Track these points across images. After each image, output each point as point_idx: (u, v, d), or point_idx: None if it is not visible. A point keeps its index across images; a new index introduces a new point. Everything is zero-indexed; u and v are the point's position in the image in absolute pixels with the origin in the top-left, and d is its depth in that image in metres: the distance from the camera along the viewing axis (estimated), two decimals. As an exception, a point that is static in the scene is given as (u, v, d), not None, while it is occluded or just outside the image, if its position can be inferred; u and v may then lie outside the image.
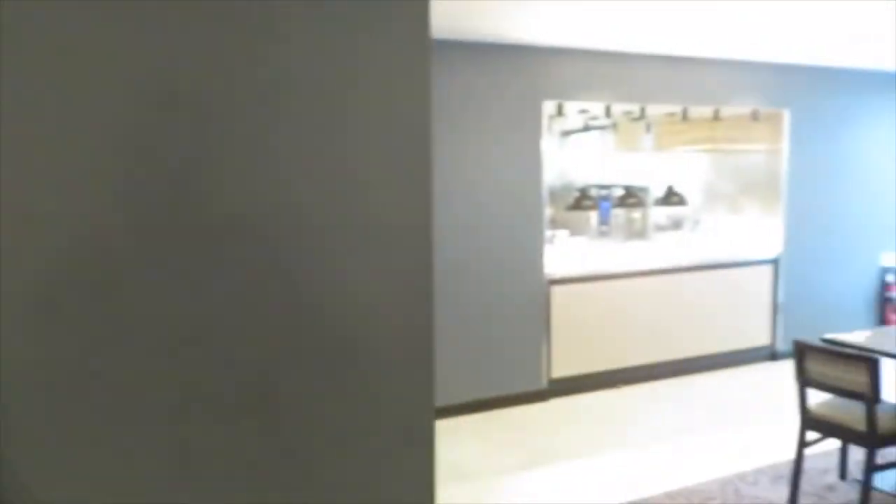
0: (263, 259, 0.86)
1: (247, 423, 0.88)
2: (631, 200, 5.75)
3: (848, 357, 3.09)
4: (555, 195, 7.93)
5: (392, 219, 0.95)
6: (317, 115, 0.89)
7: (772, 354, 5.94)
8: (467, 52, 4.60)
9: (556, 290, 5.04)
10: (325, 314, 0.92)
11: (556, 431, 4.55)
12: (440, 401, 4.79)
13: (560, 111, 5.06)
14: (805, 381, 3.29)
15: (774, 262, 5.89)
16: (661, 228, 8.90)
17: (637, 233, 8.11)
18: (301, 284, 0.89)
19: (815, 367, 3.22)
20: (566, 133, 7.29)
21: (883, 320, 6.41)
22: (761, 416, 4.68)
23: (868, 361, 3.00)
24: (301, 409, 0.91)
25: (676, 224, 8.95)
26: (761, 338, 5.91)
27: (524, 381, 4.99)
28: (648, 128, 6.72)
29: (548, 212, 7.16)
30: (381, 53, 0.93)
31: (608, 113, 5.25)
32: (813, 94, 5.90)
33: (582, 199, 5.51)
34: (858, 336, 3.57)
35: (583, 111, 5.51)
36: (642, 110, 5.37)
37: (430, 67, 0.95)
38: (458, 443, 4.33)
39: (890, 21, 4.23)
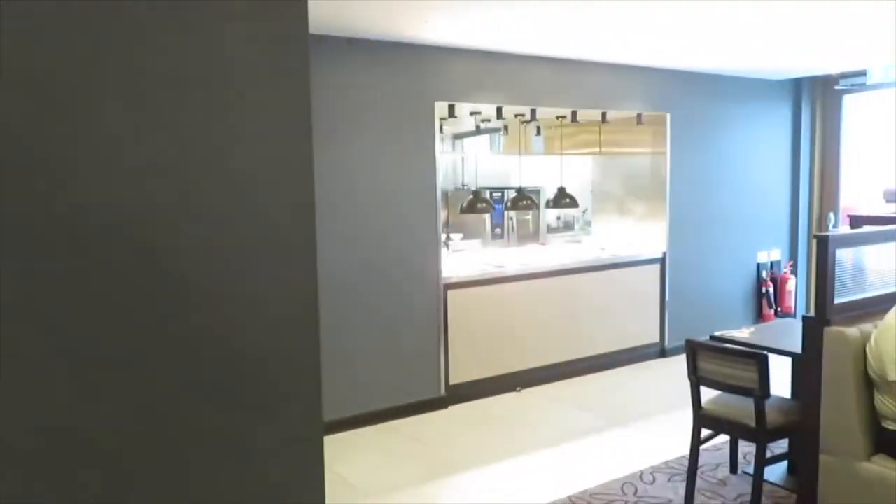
0: (122, 259, 0.81)
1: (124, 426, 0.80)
2: (523, 203, 5.74)
3: (738, 354, 3.15)
4: (449, 198, 7.88)
5: (273, 219, 0.91)
6: (185, 111, 0.83)
7: (661, 351, 6.12)
8: (357, 50, 4.41)
9: (453, 295, 4.94)
10: (200, 313, 0.86)
11: (455, 440, 4.43)
12: (334, 413, 4.57)
13: (452, 112, 4.97)
14: (698, 379, 3.33)
15: (661, 262, 6.07)
16: (553, 230, 9.05)
17: (530, 235, 8.19)
18: (172, 285, 0.84)
19: (707, 365, 3.27)
20: (459, 136, 7.25)
21: (760, 314, 6.76)
22: (656, 413, 4.77)
23: (757, 358, 3.06)
24: (177, 408, 0.84)
25: (568, 225, 9.13)
26: (651, 335, 6.07)
27: (422, 389, 4.85)
28: (539, 130, 6.79)
29: (443, 215, 7.09)
30: (254, 48, 0.88)
31: (500, 115, 5.20)
32: (693, 99, 6.13)
33: (476, 202, 5.44)
34: (744, 332, 3.67)
35: (475, 112, 5.44)
36: (533, 112, 5.37)
37: (308, 63, 0.91)
38: (353, 457, 4.12)
39: (761, 32, 4.43)
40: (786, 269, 6.85)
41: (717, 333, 3.68)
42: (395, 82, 4.61)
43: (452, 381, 4.97)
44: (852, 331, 2.94)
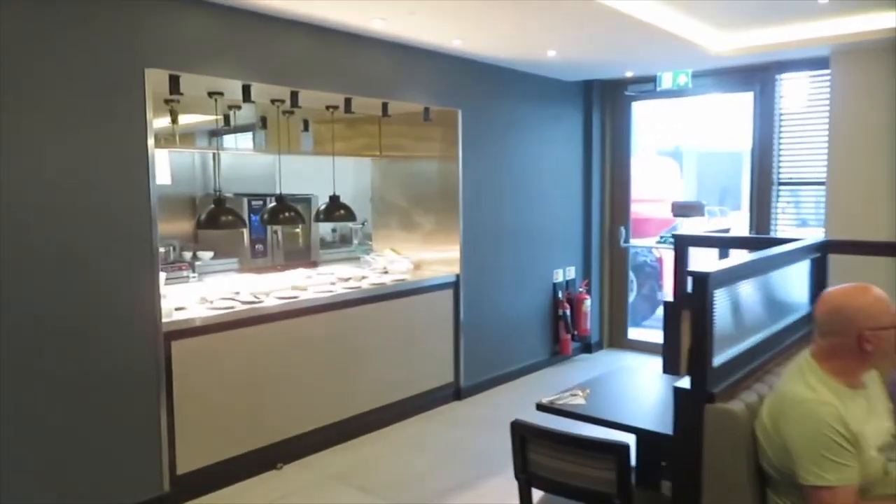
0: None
1: None
2: (286, 215, 4.42)
3: (590, 447, 2.15)
4: (198, 206, 6.32)
5: None
6: None
7: (457, 392, 5.14)
8: (4, -22, 2.80)
9: (181, 347, 3.47)
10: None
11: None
12: None
13: (176, 87, 3.51)
14: (528, 478, 2.29)
15: (454, 286, 5.10)
16: (328, 245, 7.79)
17: (300, 251, 6.85)
18: None
19: (543, 459, 2.24)
20: (217, 132, 5.63)
21: (557, 339, 6.10)
22: (459, 487, 3.72)
23: (617, 452, 2.08)
24: None
25: (345, 240, 7.92)
26: (445, 375, 5.06)
27: (133, 488, 3.32)
28: (307, 125, 5.49)
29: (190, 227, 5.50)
30: None
31: (247, 96, 3.84)
32: (485, 95, 5.26)
33: (218, 214, 3.99)
34: (578, 396, 2.72)
35: (215, 93, 4.02)
36: (294, 97, 4.09)
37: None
38: None
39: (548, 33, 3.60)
40: (581, 287, 6.28)
41: (544, 401, 2.68)
42: (78, 37, 3.06)
43: (181, 470, 3.50)
44: (739, 407, 2.07)
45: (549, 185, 5.97)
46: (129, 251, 3.24)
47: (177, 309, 3.62)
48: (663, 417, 2.40)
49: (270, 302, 3.93)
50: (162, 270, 5.95)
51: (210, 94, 4.05)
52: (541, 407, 2.64)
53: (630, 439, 2.28)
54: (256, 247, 6.34)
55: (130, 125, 3.23)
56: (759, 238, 4.92)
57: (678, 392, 2.12)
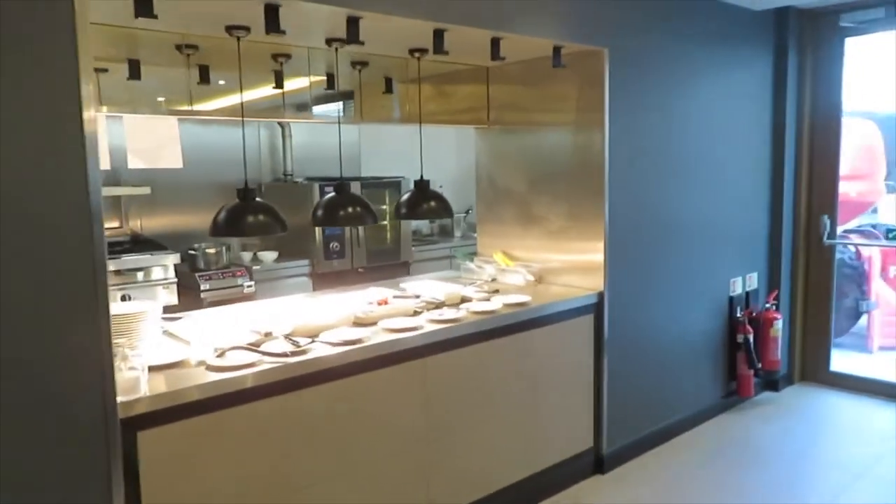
0: None
1: None
2: (347, 212, 2.95)
3: None
4: (264, 194, 5.09)
5: None
6: None
7: (598, 463, 3.57)
8: None
9: (152, 442, 2.10)
10: None
11: None
12: None
13: (148, 9, 2.12)
14: None
15: (595, 309, 3.50)
16: (423, 238, 6.35)
17: (387, 251, 5.46)
18: None
19: None
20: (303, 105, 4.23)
21: (734, 376, 4.38)
22: None
23: None
24: None
25: (445, 232, 6.46)
26: (580, 438, 3.50)
27: None
28: (389, 84, 4.01)
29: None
30: None
31: (273, 23, 2.39)
32: (644, 30, 3.59)
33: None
34: None
35: (235, 28, 2.61)
36: (353, 28, 2.62)
37: None
38: None
39: None
40: (769, 303, 4.50)
41: None
42: None
43: None
44: None
45: (725, 159, 4.22)
46: (52, 281, 1.88)
47: (165, 368, 2.26)
48: None
49: (322, 351, 2.49)
50: (209, 279, 4.77)
51: (229, 30, 2.65)
52: None
53: None
54: (331, 245, 5.01)
55: (48, 78, 1.85)
56: None
57: None
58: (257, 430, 2.29)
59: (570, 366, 3.41)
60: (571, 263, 3.63)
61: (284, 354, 2.37)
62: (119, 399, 1.97)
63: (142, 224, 4.82)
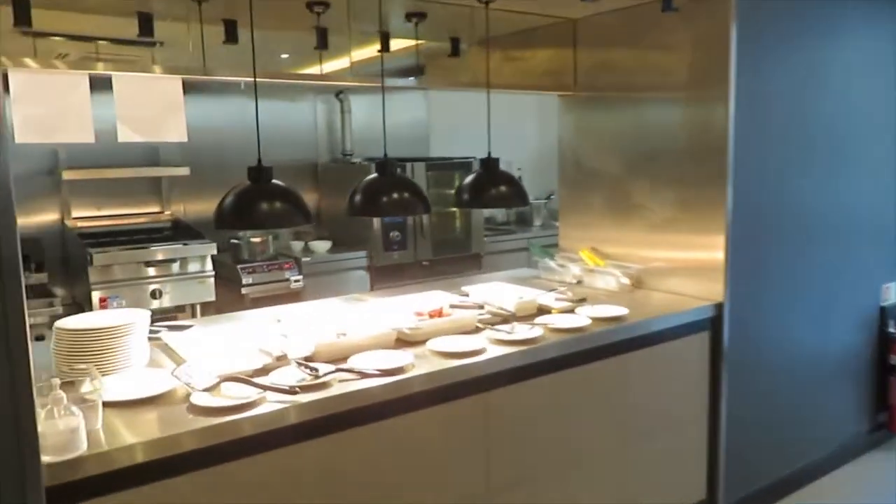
0: None
1: None
2: (393, 197, 2.31)
3: None
4: (320, 175, 4.63)
5: None
6: None
7: (710, 520, 2.81)
8: None
9: None
10: None
11: None
12: None
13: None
14: None
15: (712, 324, 2.73)
16: (498, 227, 5.67)
17: (457, 240, 4.80)
18: None
19: None
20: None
21: (883, 404, 3.50)
22: None
23: None
24: None
25: (524, 220, 5.75)
26: (691, 488, 2.75)
27: None
28: (456, 46, 3.32)
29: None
30: None
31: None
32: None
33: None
34: None
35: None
36: None
37: None
38: None
39: None
40: (931, 315, 3.57)
41: None
42: None
43: None
44: None
45: (877, 136, 3.32)
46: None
47: (138, 404, 1.69)
48: None
49: (344, 385, 1.87)
50: (253, 272, 4.24)
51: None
52: None
53: None
54: (391, 235, 4.40)
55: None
56: None
57: None
58: (244, 500, 1.69)
59: (679, 398, 2.66)
60: (680, 263, 2.86)
61: (291, 390, 1.75)
62: (45, 460, 1.41)
63: (185, 209, 4.35)
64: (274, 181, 2.11)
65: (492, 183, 2.53)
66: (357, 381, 1.88)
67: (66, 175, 3.81)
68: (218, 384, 1.78)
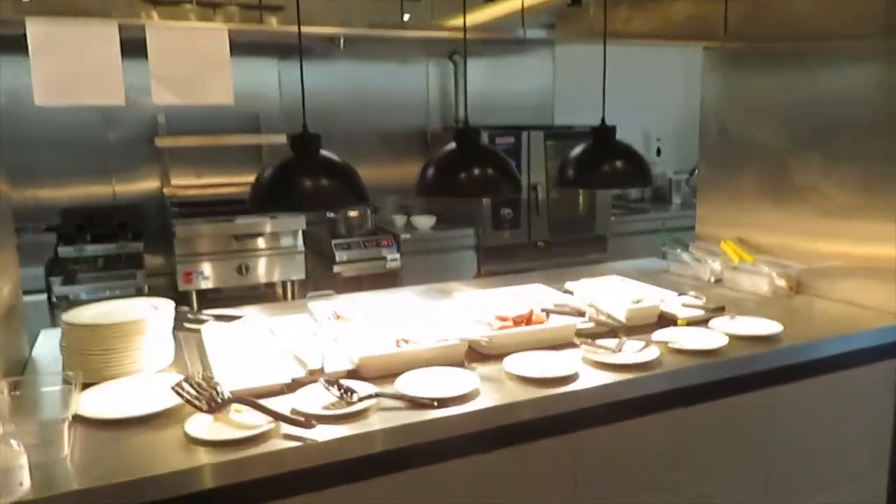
0: None
1: None
2: (462, 177, 1.83)
3: None
4: (430, 143, 4.30)
5: None
6: None
7: None
8: None
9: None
10: None
11: None
12: None
13: None
14: None
15: (901, 350, 2.04)
16: (630, 205, 5.02)
17: (580, 220, 4.24)
18: None
19: None
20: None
21: None
22: None
23: None
24: None
25: (660, 198, 5.05)
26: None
27: None
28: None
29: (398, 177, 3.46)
30: None
31: None
32: None
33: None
34: None
35: None
36: None
37: None
38: None
39: None
40: None
41: None
42: None
43: None
44: None
45: None
46: None
47: (127, 423, 1.37)
48: None
49: (381, 419, 1.45)
50: (348, 248, 3.92)
51: None
52: None
53: None
54: (503, 212, 3.94)
55: None
56: None
57: None
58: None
59: (851, 446, 2.01)
60: (860, 263, 2.17)
61: (307, 422, 1.35)
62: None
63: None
64: (323, 152, 1.71)
65: (604, 157, 1.98)
66: (401, 411, 1.44)
67: (161, 142, 3.66)
68: (228, 403, 1.42)
